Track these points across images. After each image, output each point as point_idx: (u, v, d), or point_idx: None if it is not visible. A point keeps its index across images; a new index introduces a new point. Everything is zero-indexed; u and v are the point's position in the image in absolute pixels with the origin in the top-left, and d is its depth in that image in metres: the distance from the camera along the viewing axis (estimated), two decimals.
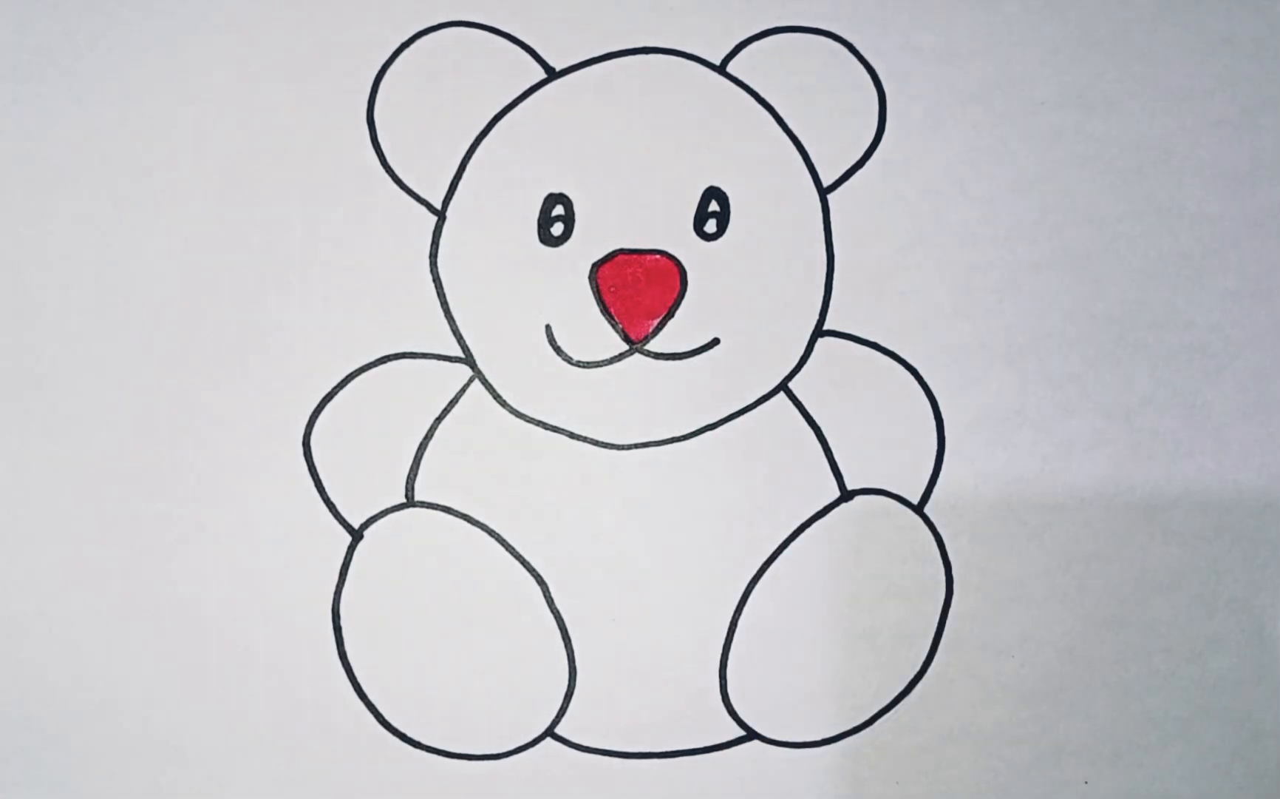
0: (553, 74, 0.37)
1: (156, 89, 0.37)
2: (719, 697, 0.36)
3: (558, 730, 0.36)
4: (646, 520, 0.36)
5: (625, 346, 0.36)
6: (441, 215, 0.37)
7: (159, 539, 0.36)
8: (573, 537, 0.36)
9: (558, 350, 0.36)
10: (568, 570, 0.36)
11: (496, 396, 0.36)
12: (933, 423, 0.36)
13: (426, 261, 0.37)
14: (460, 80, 0.37)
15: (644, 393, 0.36)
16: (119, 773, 0.35)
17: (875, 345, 0.37)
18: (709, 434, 0.36)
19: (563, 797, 0.36)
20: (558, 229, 0.37)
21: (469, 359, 0.36)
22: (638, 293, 0.36)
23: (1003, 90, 0.38)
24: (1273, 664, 0.37)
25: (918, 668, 0.36)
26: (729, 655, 0.36)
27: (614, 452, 0.36)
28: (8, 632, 0.36)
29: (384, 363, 0.36)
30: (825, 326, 0.37)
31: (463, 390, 0.36)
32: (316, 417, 0.36)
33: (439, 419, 0.36)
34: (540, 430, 0.36)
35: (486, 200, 0.37)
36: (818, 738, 0.36)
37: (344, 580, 0.36)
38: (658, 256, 0.37)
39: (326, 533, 0.36)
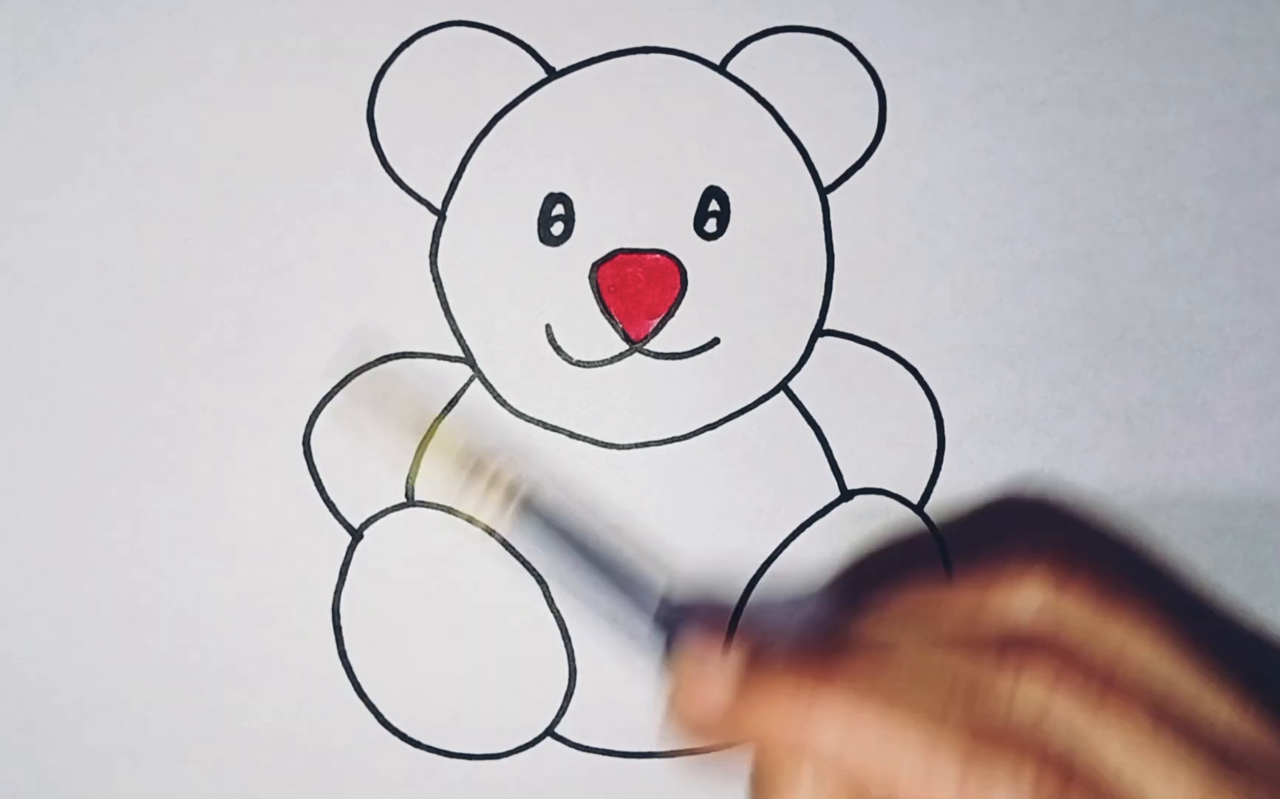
0: (553, 74, 0.37)
1: (156, 89, 0.37)
2: None
3: (558, 730, 0.36)
4: (646, 520, 0.36)
5: (625, 346, 0.36)
6: (441, 215, 0.37)
7: (159, 539, 0.36)
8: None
9: (558, 350, 0.36)
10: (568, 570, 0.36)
11: (496, 396, 0.36)
12: (933, 423, 0.36)
13: (426, 261, 0.37)
14: (460, 80, 0.37)
15: (644, 393, 0.36)
16: (119, 773, 0.35)
17: (875, 345, 0.37)
18: (709, 434, 0.36)
19: (563, 797, 0.36)
20: (558, 229, 0.37)
21: (469, 359, 0.36)
22: (638, 292, 0.36)
23: (1003, 90, 0.38)
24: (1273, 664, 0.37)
25: None
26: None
27: (614, 451, 0.36)
28: (8, 632, 0.36)
29: (384, 363, 0.36)
30: (825, 326, 0.37)
31: (463, 390, 0.36)
32: (316, 416, 0.36)
33: (439, 419, 0.36)
34: (540, 430, 0.36)
35: (486, 200, 0.37)
36: None
37: (344, 580, 0.36)
38: (658, 256, 0.37)
39: (326, 533, 0.36)
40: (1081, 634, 0.24)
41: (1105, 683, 0.24)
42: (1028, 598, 0.25)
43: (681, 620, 0.29)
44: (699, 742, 0.25)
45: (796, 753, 0.24)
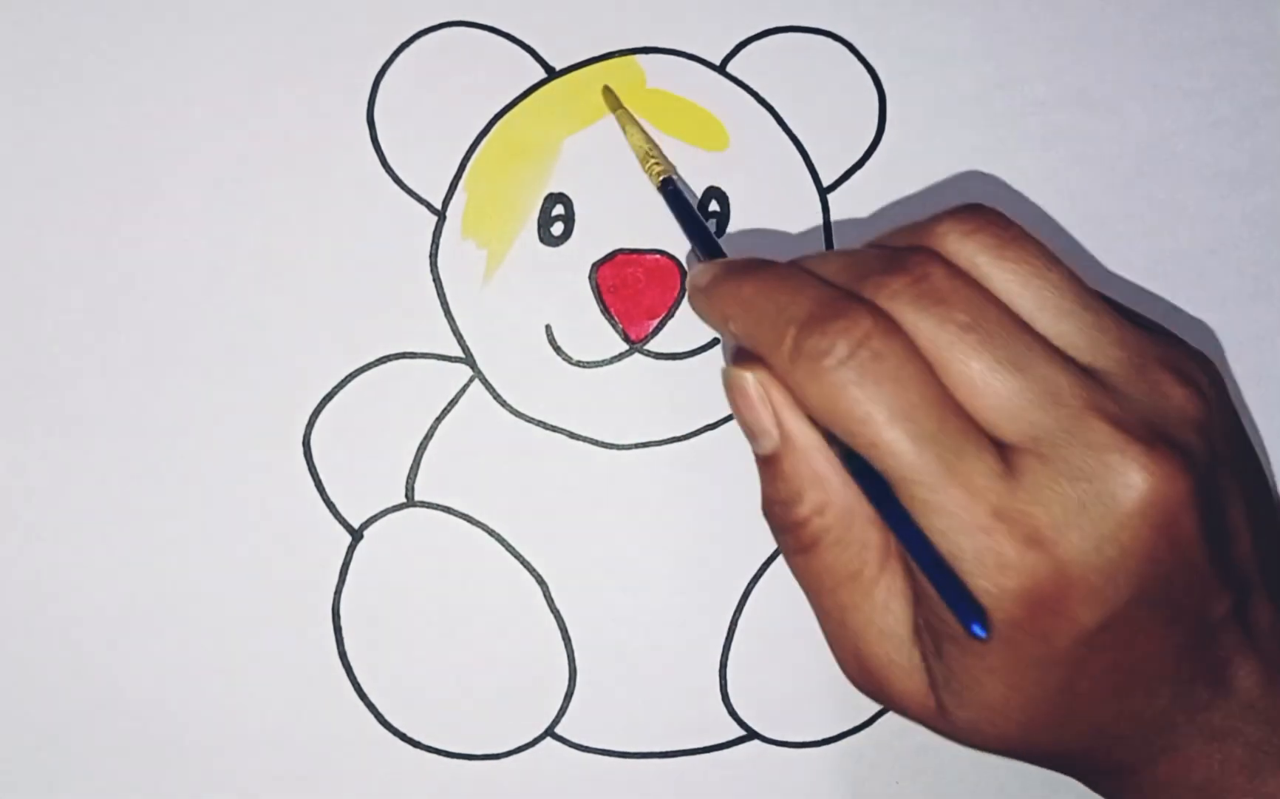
0: (553, 74, 0.37)
1: (156, 89, 0.37)
2: (719, 697, 0.36)
3: (558, 730, 0.36)
4: (646, 520, 0.36)
5: (625, 346, 0.36)
6: (441, 215, 0.37)
7: (159, 539, 0.36)
8: (573, 537, 0.36)
9: (558, 350, 0.36)
10: (568, 570, 0.36)
11: (496, 397, 0.36)
12: None
13: (426, 261, 0.37)
14: (460, 80, 0.37)
15: (644, 393, 0.36)
16: (119, 773, 0.35)
17: None
18: (709, 434, 0.36)
19: (563, 797, 0.36)
20: (558, 229, 0.37)
21: (469, 359, 0.36)
22: (638, 293, 0.36)
23: (1003, 90, 0.38)
24: None
25: None
26: (729, 655, 0.36)
27: (614, 451, 0.36)
28: (8, 632, 0.36)
29: (384, 363, 0.36)
30: None
31: (463, 390, 0.36)
32: (316, 416, 0.36)
33: (439, 419, 0.36)
34: (540, 430, 0.36)
35: (487, 200, 0.37)
36: (818, 738, 0.36)
37: (344, 580, 0.36)
38: (658, 256, 0.37)
39: (326, 533, 0.36)
40: (971, 260, 0.26)
41: (962, 287, 0.25)
42: (940, 232, 0.27)
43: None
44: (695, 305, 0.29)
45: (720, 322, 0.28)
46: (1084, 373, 0.25)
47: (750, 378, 0.27)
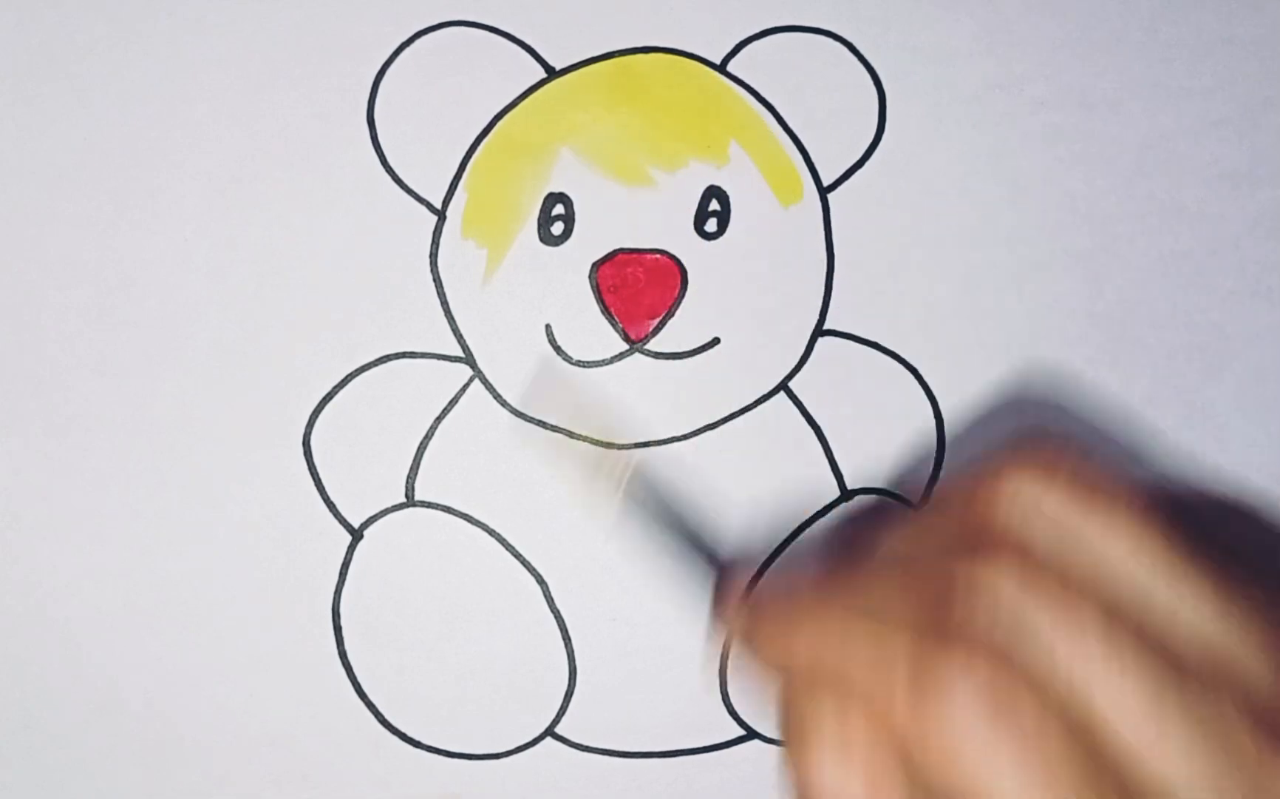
0: (553, 74, 0.38)
1: (156, 89, 0.37)
2: (719, 697, 0.36)
3: (558, 730, 0.36)
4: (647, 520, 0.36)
5: (625, 346, 0.36)
6: (441, 215, 0.37)
7: (159, 539, 0.36)
8: (573, 537, 0.36)
9: (558, 350, 0.36)
10: (568, 570, 0.36)
11: (496, 396, 0.36)
12: (933, 423, 0.36)
13: (426, 262, 0.37)
14: (460, 80, 0.37)
15: (644, 393, 0.36)
16: (119, 773, 0.35)
17: (875, 345, 0.37)
18: (709, 434, 0.36)
19: (563, 797, 0.36)
20: (558, 229, 0.37)
21: (469, 359, 0.36)
22: (638, 292, 0.36)
23: (1003, 90, 0.38)
24: None
25: None
26: (729, 655, 0.36)
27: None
28: (8, 632, 0.36)
29: (384, 363, 0.36)
30: (825, 326, 0.37)
31: (463, 390, 0.36)
32: (316, 416, 0.36)
33: (439, 419, 0.36)
34: (540, 430, 0.36)
35: (487, 200, 0.37)
36: None
37: (344, 580, 0.36)
38: (658, 256, 0.37)
39: (326, 533, 0.36)
40: (1055, 531, 0.24)
41: (1065, 586, 0.23)
42: (1011, 494, 0.24)
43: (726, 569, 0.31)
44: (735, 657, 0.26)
45: (786, 675, 0.25)
46: (1235, 678, 0.22)
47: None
